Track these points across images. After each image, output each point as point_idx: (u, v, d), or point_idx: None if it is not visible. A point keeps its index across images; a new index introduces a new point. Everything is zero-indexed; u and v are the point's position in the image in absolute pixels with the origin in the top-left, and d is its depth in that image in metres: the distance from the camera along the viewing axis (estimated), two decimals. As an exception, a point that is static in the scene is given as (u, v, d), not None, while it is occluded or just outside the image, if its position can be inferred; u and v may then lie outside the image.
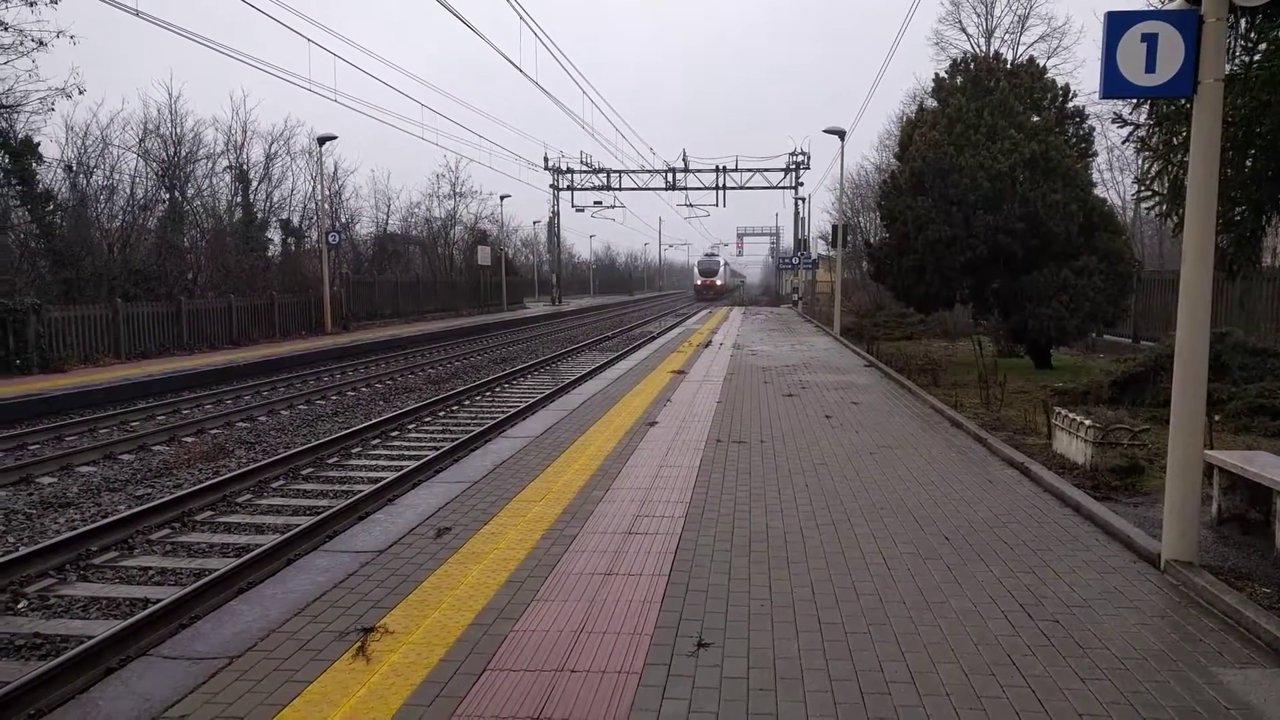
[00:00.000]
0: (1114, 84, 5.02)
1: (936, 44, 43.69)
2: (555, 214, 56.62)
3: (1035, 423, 10.45)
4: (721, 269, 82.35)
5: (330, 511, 8.09)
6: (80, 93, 25.13)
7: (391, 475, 9.61)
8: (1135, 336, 20.75)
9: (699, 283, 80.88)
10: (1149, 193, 6.80)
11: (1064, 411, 8.87)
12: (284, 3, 30.74)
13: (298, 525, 7.79)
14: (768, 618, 4.49)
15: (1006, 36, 41.69)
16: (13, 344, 17.49)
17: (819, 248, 57.75)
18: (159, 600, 5.95)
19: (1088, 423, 8.15)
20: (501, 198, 55.92)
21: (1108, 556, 5.52)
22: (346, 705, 3.59)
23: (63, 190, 26.16)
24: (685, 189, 51.24)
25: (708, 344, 22.41)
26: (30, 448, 11.53)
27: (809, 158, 49.63)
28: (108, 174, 28.12)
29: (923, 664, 3.96)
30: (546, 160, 52.78)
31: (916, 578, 5.09)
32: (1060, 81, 19.44)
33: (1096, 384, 12.14)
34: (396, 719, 3.48)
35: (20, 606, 6.17)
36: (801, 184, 50.00)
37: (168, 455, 11.10)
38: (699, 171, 50.39)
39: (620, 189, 53.08)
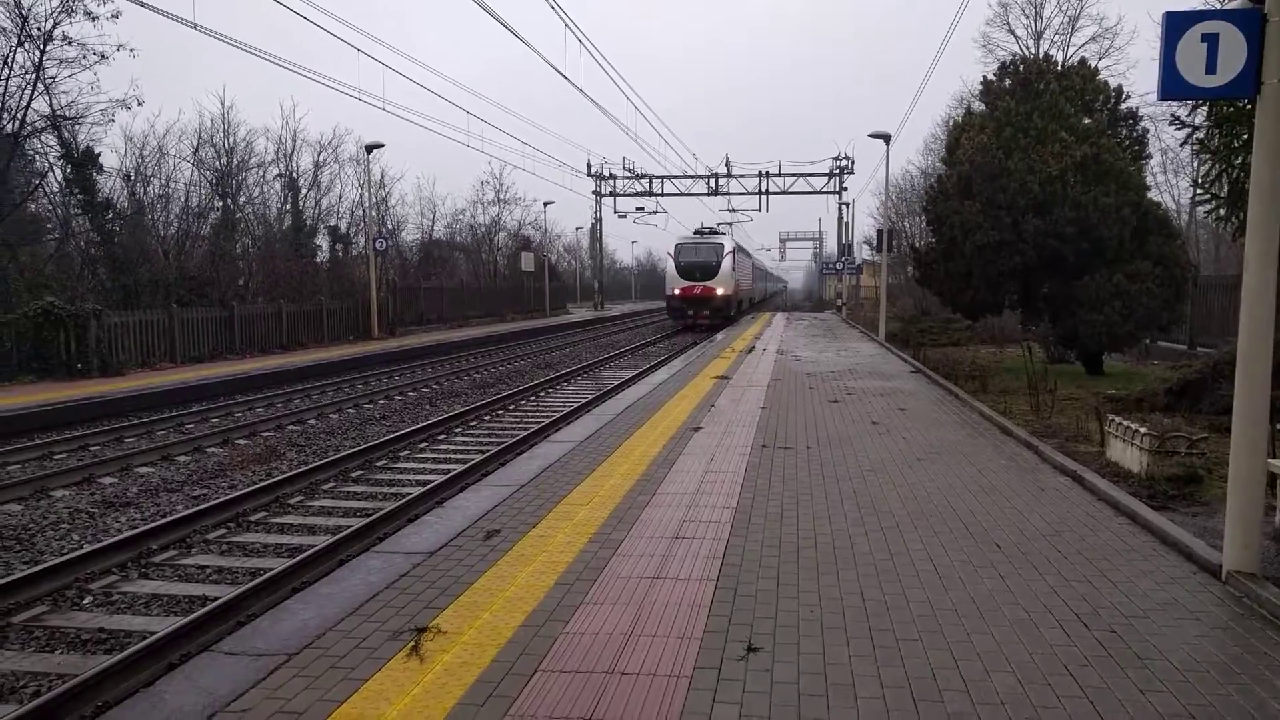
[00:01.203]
0: (1173, 85, 4.94)
1: (984, 46, 43.22)
2: (598, 220, 56.85)
3: (1088, 430, 10.26)
4: (728, 265, 40.23)
5: (381, 513, 8.22)
6: (139, 104, 25.95)
7: (440, 478, 9.73)
8: (1191, 343, 20.25)
9: (678, 291, 39.65)
10: (1207, 196, 6.67)
11: (1118, 419, 8.70)
12: (335, 14, 31.32)
13: (349, 526, 7.93)
14: (817, 623, 4.48)
15: (1056, 38, 41.07)
16: (74, 348, 18.03)
17: (863, 252, 57.31)
18: (218, 598, 6.10)
19: (1143, 430, 7.98)
20: (545, 204, 56.61)
21: (1166, 567, 5.40)
22: (401, 703, 3.65)
23: (121, 199, 26.97)
24: (728, 194, 51.11)
25: (751, 349, 22.34)
26: (92, 449, 11.88)
27: (852, 162, 49.22)
28: (164, 183, 28.96)
29: (976, 673, 3.91)
30: (589, 166, 53.01)
31: (968, 586, 5.04)
32: (1113, 83, 19.11)
33: (1151, 391, 11.87)
34: (451, 717, 3.53)
35: (85, 602, 6.36)
36: (845, 189, 49.61)
37: (222, 457, 11.36)
38: (741, 176, 50.24)
39: (662, 194, 53.13)
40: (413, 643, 4.23)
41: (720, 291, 38.94)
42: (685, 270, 39.41)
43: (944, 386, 14.57)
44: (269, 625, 4.55)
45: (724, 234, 43.18)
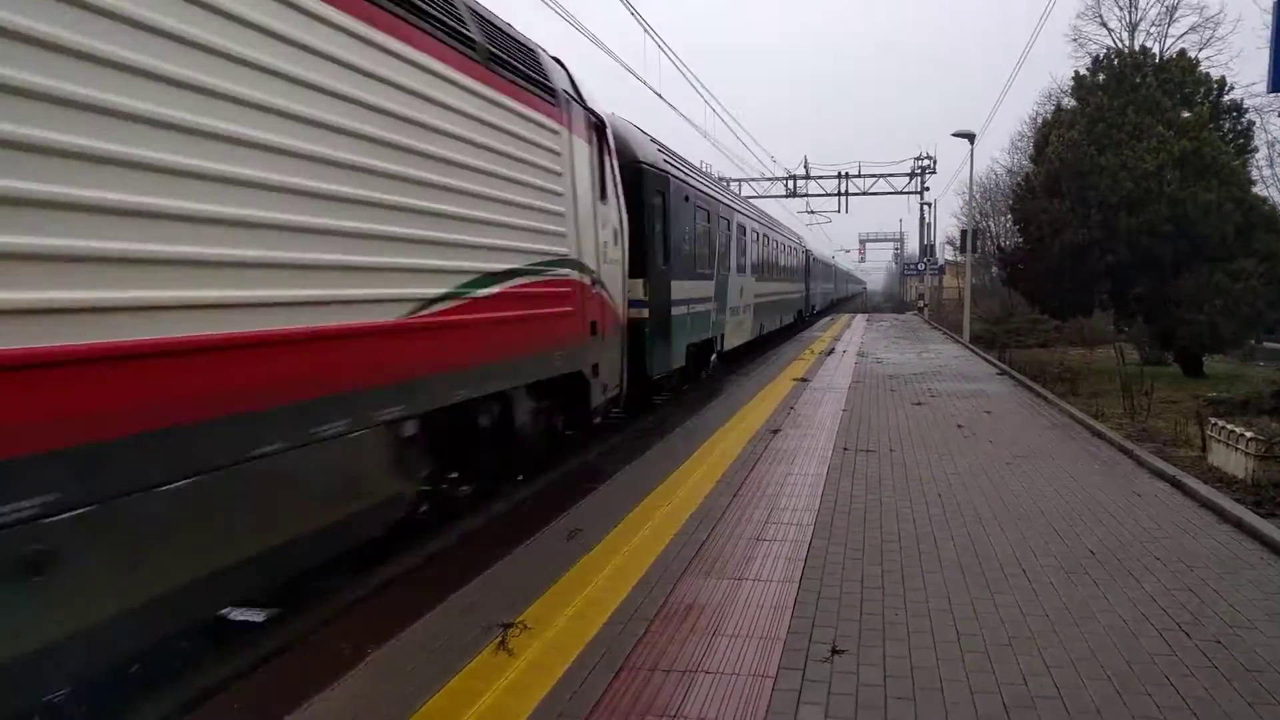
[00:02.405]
0: (1281, 72, 4.72)
1: (1074, 40, 41.86)
2: (673, 223, 56.22)
3: (1187, 434, 9.86)
4: None
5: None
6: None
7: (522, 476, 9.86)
8: (1300, 344, 19.24)
9: None
10: (1319, 188, 6.33)
11: (1220, 422, 8.33)
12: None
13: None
14: (903, 626, 4.41)
15: (1152, 30, 39.47)
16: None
17: (945, 253, 56.07)
18: (312, 590, 6.31)
19: (1249, 434, 7.63)
20: (621, 208, 56.39)
21: (1276, 576, 5.15)
22: (491, 697, 3.73)
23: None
24: (806, 195, 50.54)
25: (830, 351, 22.07)
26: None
27: (935, 162, 48.22)
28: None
29: (1070, 680, 3.81)
30: (666, 170, 53.02)
31: (1060, 591, 4.90)
32: (1214, 74, 18.33)
33: (1257, 394, 11.31)
34: (537, 711, 3.60)
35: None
36: (927, 188, 48.61)
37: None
38: (820, 178, 49.64)
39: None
40: (500, 638, 4.32)
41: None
42: None
43: (1031, 389, 14.15)
44: (364, 617, 4.70)
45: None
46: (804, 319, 35.64)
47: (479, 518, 7.88)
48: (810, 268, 38.74)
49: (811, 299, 40.00)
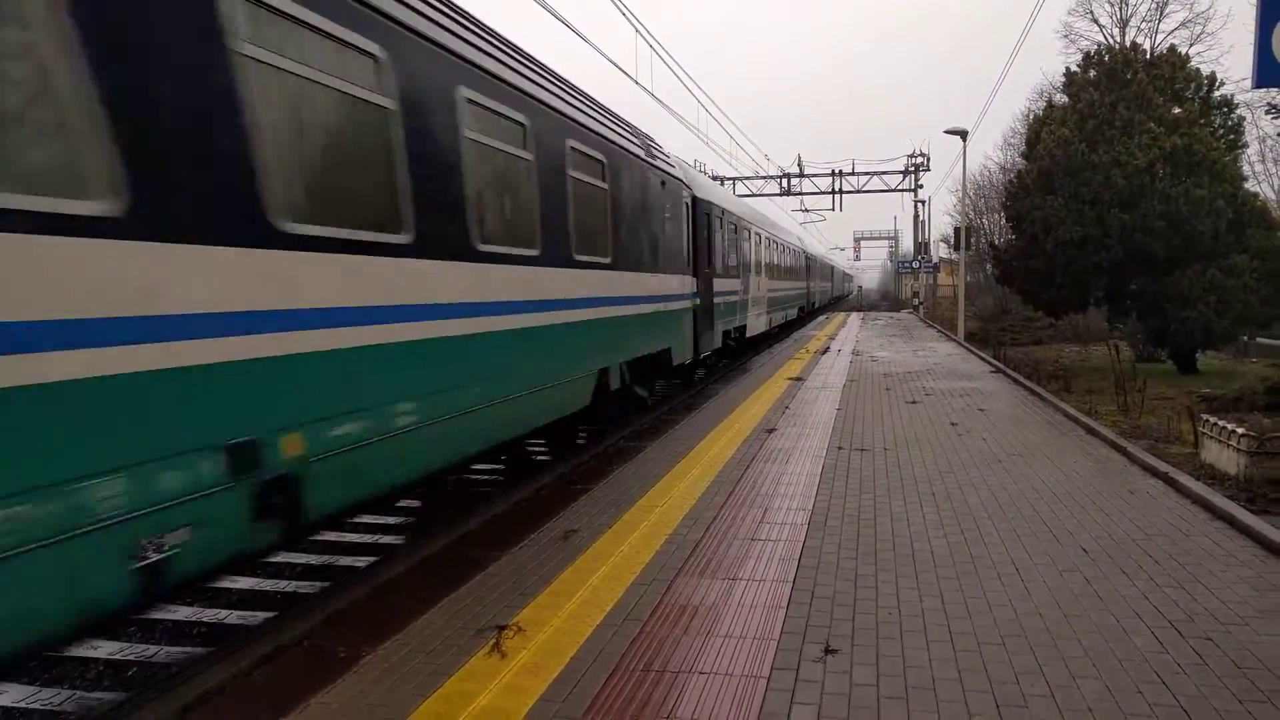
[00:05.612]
0: (1269, 72, 4.74)
1: (1065, 36, 42.13)
2: (668, 222, 56.13)
3: (1180, 431, 9.90)
4: None
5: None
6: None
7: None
8: (1293, 339, 19.32)
9: None
10: (1309, 185, 6.37)
11: (1213, 419, 8.37)
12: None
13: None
14: (896, 626, 4.43)
15: (1143, 25, 39.64)
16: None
17: (940, 251, 56.14)
18: (307, 593, 6.32)
19: (1240, 430, 7.67)
20: (615, 207, 56.17)
21: (1268, 573, 5.18)
22: (485, 699, 3.74)
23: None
24: (800, 194, 50.65)
25: (825, 350, 22.09)
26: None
27: (928, 159, 48.31)
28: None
29: (1062, 678, 3.83)
30: (660, 169, 52.88)
31: (1053, 590, 4.92)
32: (1205, 70, 18.37)
33: (1250, 390, 11.36)
34: (532, 713, 3.61)
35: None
36: (921, 186, 48.72)
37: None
38: (814, 176, 49.74)
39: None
40: (494, 640, 4.33)
41: None
42: None
43: (1026, 387, 14.19)
44: (360, 619, 4.71)
45: None
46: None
47: (475, 520, 7.88)
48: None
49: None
